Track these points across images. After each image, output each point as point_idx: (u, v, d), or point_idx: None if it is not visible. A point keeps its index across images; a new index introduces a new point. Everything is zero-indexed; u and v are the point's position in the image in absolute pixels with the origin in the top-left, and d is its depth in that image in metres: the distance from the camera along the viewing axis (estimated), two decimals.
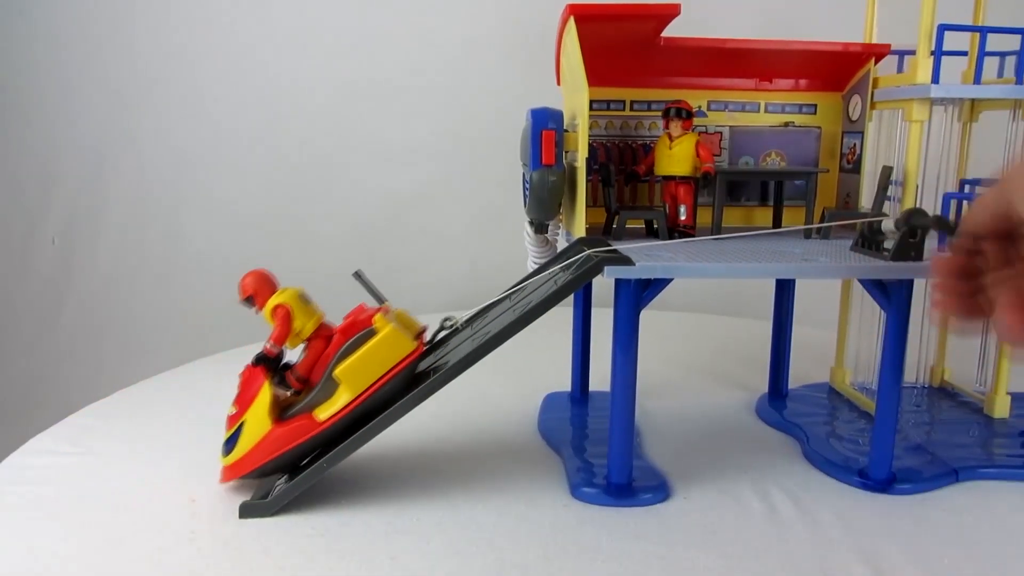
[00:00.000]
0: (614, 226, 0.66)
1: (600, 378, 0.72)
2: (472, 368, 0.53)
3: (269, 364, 0.56)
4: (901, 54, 0.68)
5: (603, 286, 0.57)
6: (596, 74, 0.60)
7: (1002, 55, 0.69)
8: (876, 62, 0.67)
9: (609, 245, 0.58)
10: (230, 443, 0.55)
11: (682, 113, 0.65)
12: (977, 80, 0.63)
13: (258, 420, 0.54)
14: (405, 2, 1.24)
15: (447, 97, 1.26)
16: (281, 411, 0.56)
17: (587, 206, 0.61)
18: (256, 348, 0.57)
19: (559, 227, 0.69)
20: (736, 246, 0.62)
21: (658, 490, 0.57)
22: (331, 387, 0.55)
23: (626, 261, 0.53)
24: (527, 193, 0.63)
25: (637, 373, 0.56)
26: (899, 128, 0.67)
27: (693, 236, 0.65)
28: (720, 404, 0.78)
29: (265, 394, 0.55)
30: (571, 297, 0.74)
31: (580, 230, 0.61)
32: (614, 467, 0.57)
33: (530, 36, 1.09)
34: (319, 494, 0.57)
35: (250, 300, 0.56)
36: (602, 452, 0.60)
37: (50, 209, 1.38)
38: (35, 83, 1.33)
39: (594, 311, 0.74)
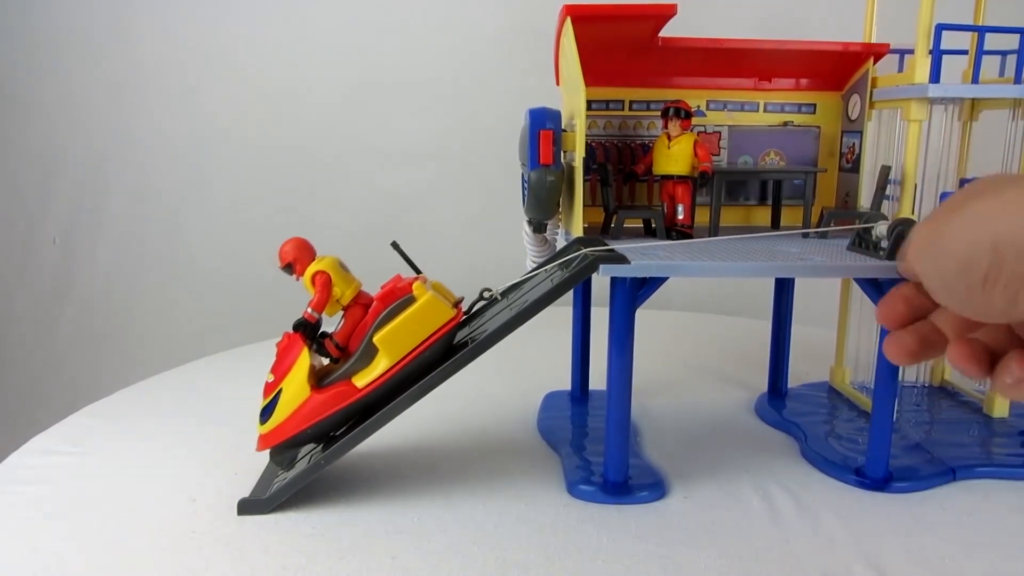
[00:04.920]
0: (612, 225, 0.66)
1: (600, 377, 0.72)
2: (472, 367, 0.54)
3: (307, 332, 0.56)
4: (900, 54, 0.68)
5: (602, 285, 0.57)
6: (594, 74, 0.60)
7: (1002, 54, 0.69)
8: (875, 62, 0.67)
9: (606, 244, 0.58)
10: (267, 411, 0.55)
11: (680, 113, 0.65)
12: (975, 79, 0.63)
13: (296, 387, 0.54)
14: (405, 3, 1.24)
15: (447, 97, 1.26)
16: (318, 380, 0.55)
17: (585, 205, 0.61)
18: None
19: (557, 226, 0.69)
20: (733, 245, 0.62)
21: (654, 488, 0.57)
22: (370, 354, 0.55)
23: (622, 260, 0.53)
24: (525, 193, 0.63)
25: (635, 372, 0.56)
26: (898, 127, 0.67)
27: (691, 235, 0.65)
28: (719, 403, 0.78)
29: (304, 360, 0.54)
30: (570, 296, 0.74)
31: (578, 229, 0.62)
32: (610, 465, 0.57)
33: (529, 36, 1.10)
34: (319, 493, 0.57)
35: (289, 267, 0.56)
36: (600, 450, 0.60)
37: (51, 209, 1.38)
38: (36, 83, 1.34)
39: (594, 310, 0.74)
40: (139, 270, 1.38)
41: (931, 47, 0.60)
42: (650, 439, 0.68)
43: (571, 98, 0.63)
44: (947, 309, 0.38)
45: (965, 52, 0.68)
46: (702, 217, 0.69)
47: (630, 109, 0.71)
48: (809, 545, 0.51)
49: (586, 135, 0.59)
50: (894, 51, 0.67)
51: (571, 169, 0.61)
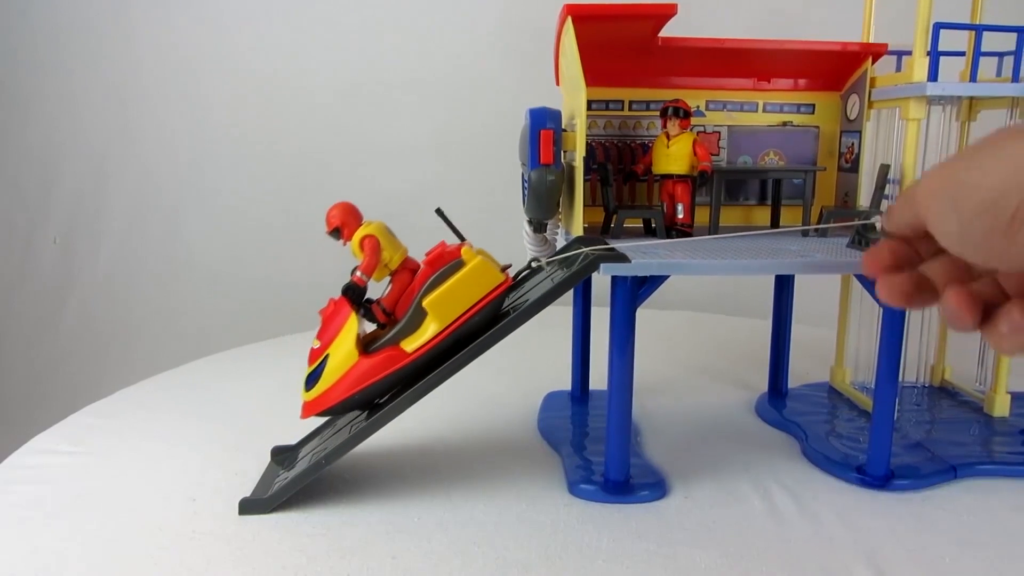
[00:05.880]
0: (612, 225, 0.66)
1: (601, 377, 0.72)
2: (472, 366, 0.54)
3: (354, 297, 0.55)
4: (899, 54, 0.68)
5: (602, 285, 0.57)
6: (594, 74, 0.60)
7: (1000, 55, 0.69)
8: (874, 61, 0.67)
9: (606, 244, 0.58)
10: (312, 377, 0.54)
11: (679, 112, 0.65)
12: (973, 78, 0.63)
13: (344, 352, 0.54)
14: (405, 3, 1.25)
15: (447, 97, 1.26)
16: (364, 347, 0.55)
17: (585, 205, 0.61)
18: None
19: (558, 226, 0.69)
20: (733, 244, 0.62)
21: (655, 487, 0.57)
22: (419, 318, 0.54)
23: (622, 258, 0.54)
24: (526, 192, 0.63)
25: (636, 371, 0.56)
26: (896, 127, 0.67)
27: (691, 235, 0.65)
28: (720, 403, 0.78)
29: (352, 325, 0.54)
30: (571, 296, 0.74)
31: (578, 229, 0.62)
32: (611, 464, 0.58)
33: (529, 36, 1.10)
34: (320, 493, 0.57)
35: (337, 232, 0.56)
36: (601, 450, 0.60)
37: (51, 209, 1.38)
38: (36, 84, 1.34)
39: (594, 310, 0.74)
40: (139, 270, 1.38)
41: (929, 47, 0.60)
42: (651, 439, 0.68)
43: (571, 98, 0.63)
44: (937, 261, 0.38)
45: (963, 54, 0.68)
46: (702, 217, 0.69)
47: (630, 109, 0.71)
48: (809, 544, 0.51)
49: (586, 135, 0.59)
50: (892, 51, 0.68)
51: (571, 169, 0.62)
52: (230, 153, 1.32)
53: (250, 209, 1.33)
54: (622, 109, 0.71)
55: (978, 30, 0.63)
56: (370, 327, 0.57)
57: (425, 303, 0.53)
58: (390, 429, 0.54)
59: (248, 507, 0.54)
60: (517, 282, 0.60)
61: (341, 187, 1.30)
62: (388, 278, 0.56)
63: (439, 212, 0.57)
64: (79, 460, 0.64)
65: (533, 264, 0.59)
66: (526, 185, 0.62)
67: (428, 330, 0.54)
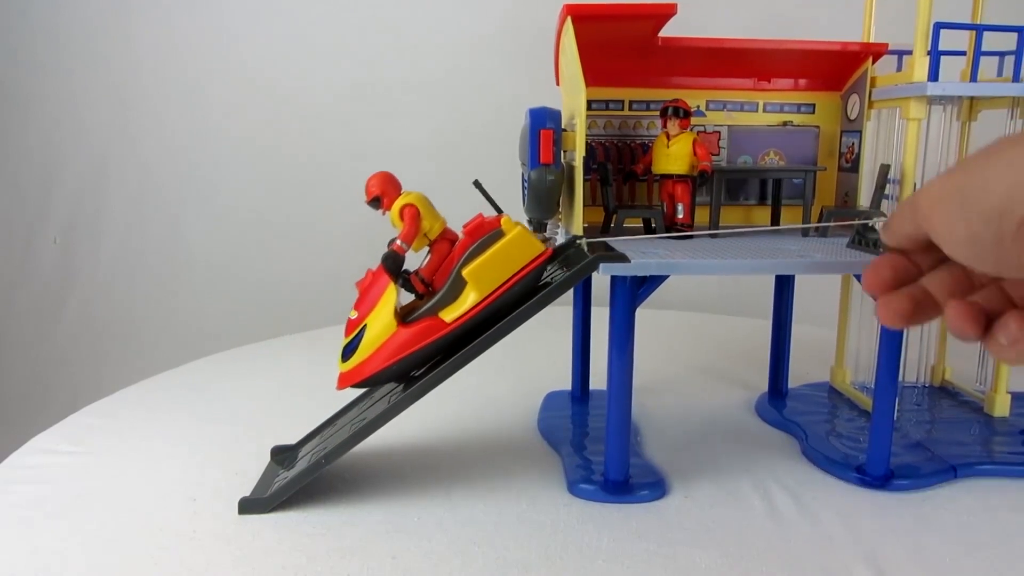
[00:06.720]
0: (612, 225, 0.66)
1: (601, 377, 0.72)
2: (472, 367, 0.54)
3: (393, 266, 0.55)
4: (899, 53, 0.68)
5: (602, 285, 0.57)
6: (594, 74, 0.60)
7: (1001, 55, 0.69)
8: (874, 61, 0.67)
9: (606, 243, 0.58)
10: (349, 348, 0.54)
11: (679, 112, 0.65)
12: (973, 78, 0.63)
13: (382, 322, 0.53)
14: (405, 3, 1.25)
15: (447, 97, 1.26)
16: (401, 317, 0.54)
17: (585, 205, 0.61)
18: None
19: (558, 226, 0.69)
20: (733, 244, 0.62)
21: (655, 487, 0.57)
22: (458, 288, 0.53)
23: (622, 258, 0.54)
24: (526, 192, 0.63)
25: (635, 371, 0.56)
26: (897, 127, 0.67)
27: (690, 234, 0.65)
28: (720, 403, 0.78)
29: (390, 295, 0.53)
30: (571, 296, 0.74)
31: (578, 229, 0.62)
32: (611, 464, 0.58)
33: (529, 36, 1.10)
34: (320, 493, 0.57)
35: (376, 201, 0.55)
36: (601, 450, 0.60)
37: (51, 209, 1.38)
38: (37, 84, 1.34)
39: (594, 310, 0.74)
40: (139, 270, 1.38)
41: (929, 46, 0.60)
42: (650, 439, 0.68)
43: (571, 98, 0.63)
44: (939, 272, 0.37)
45: (963, 53, 0.68)
46: (702, 216, 0.69)
47: (630, 109, 0.71)
48: (809, 544, 0.51)
49: (586, 135, 0.59)
50: (893, 51, 0.68)
51: (571, 168, 0.62)
52: (230, 153, 1.32)
53: (250, 209, 1.33)
54: (622, 109, 0.71)
55: (979, 30, 0.63)
56: (407, 299, 0.56)
57: (465, 272, 0.53)
58: (390, 429, 0.54)
59: (248, 507, 0.54)
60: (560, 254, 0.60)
61: (341, 187, 1.29)
62: (426, 249, 0.56)
63: (477, 184, 0.56)
64: (79, 460, 0.64)
65: (578, 242, 0.59)
66: (526, 185, 0.62)
67: (468, 300, 0.53)
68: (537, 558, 0.49)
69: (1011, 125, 0.69)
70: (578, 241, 0.58)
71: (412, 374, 0.56)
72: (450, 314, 0.53)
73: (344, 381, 0.55)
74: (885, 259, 0.39)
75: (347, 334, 0.54)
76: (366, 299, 0.54)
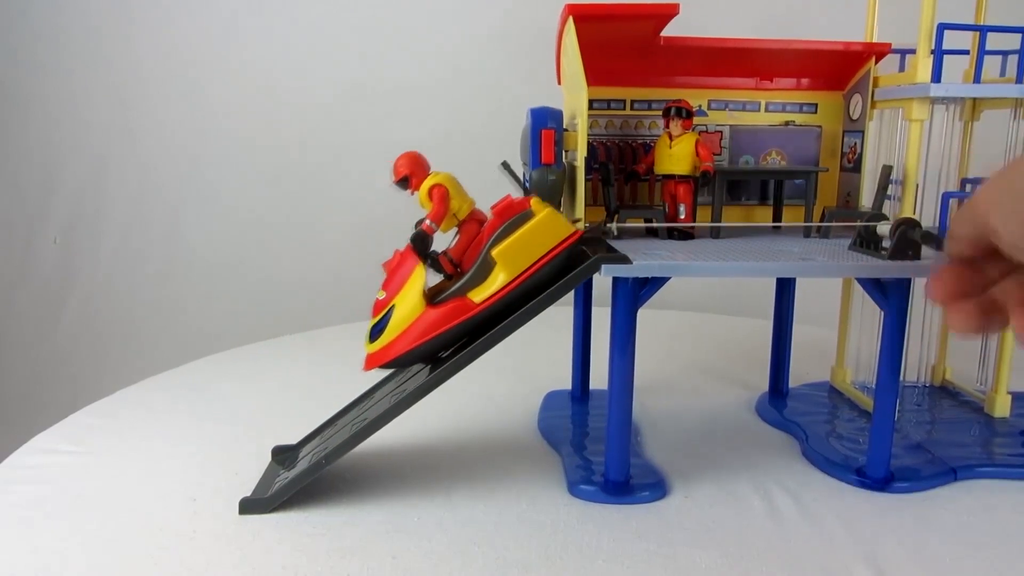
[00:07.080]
0: (612, 225, 0.66)
1: (601, 377, 0.72)
2: (472, 367, 0.53)
3: (421, 246, 0.54)
4: (902, 53, 0.68)
5: (603, 285, 0.57)
6: (596, 74, 0.60)
7: (1004, 54, 0.69)
8: (877, 61, 0.67)
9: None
10: (377, 329, 0.53)
11: (682, 112, 0.65)
12: (977, 79, 0.63)
13: (410, 303, 0.53)
14: (405, 3, 1.24)
15: (447, 97, 1.26)
16: (430, 298, 0.54)
17: (587, 205, 0.61)
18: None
19: None
20: (735, 245, 0.62)
21: (655, 488, 0.57)
22: (487, 268, 0.53)
23: (623, 260, 0.53)
24: (527, 192, 0.63)
25: (636, 371, 0.56)
26: (899, 127, 0.67)
27: (692, 235, 0.65)
28: (720, 403, 0.78)
29: (419, 276, 0.53)
30: (571, 296, 0.74)
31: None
32: (611, 465, 0.57)
33: (531, 36, 1.09)
34: (320, 493, 0.57)
35: (405, 181, 0.55)
36: (601, 450, 0.60)
37: (51, 209, 1.38)
38: (37, 84, 1.34)
39: (595, 310, 0.74)
40: (139, 270, 1.38)
41: (933, 47, 0.60)
42: (651, 439, 0.68)
43: (573, 97, 0.63)
44: (1006, 282, 0.38)
45: (966, 52, 0.67)
46: (703, 217, 0.69)
47: (632, 108, 0.71)
48: (809, 545, 0.51)
49: (588, 134, 0.59)
50: (896, 51, 0.67)
51: (573, 168, 0.61)
52: (230, 153, 1.32)
53: (250, 209, 1.33)
54: (624, 109, 0.71)
55: (982, 31, 0.63)
56: (434, 280, 0.56)
57: (494, 253, 0.52)
58: (390, 429, 0.54)
59: (248, 507, 0.54)
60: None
61: (341, 186, 1.30)
62: (454, 230, 0.56)
63: (505, 165, 0.56)
64: (79, 460, 0.64)
65: (605, 228, 0.59)
66: (527, 184, 0.62)
67: (496, 280, 0.53)
68: (537, 558, 0.49)
69: (1014, 126, 0.69)
70: (608, 225, 0.58)
71: (439, 355, 0.55)
72: (479, 295, 0.53)
73: (371, 362, 0.54)
74: (947, 270, 0.40)
75: (374, 314, 0.54)
76: (394, 279, 0.54)
